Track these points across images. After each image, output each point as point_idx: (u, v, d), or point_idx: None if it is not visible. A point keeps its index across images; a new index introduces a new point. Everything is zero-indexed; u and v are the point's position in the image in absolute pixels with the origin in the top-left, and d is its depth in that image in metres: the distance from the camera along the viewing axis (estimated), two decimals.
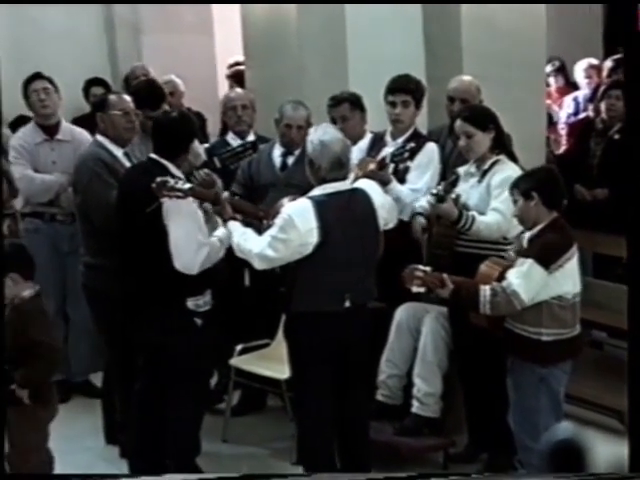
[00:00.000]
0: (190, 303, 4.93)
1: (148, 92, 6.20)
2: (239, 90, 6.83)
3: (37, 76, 6.47)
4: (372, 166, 5.33)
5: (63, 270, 6.41)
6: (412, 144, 5.45)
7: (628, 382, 4.10)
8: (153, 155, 5.04)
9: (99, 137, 5.58)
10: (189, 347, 4.94)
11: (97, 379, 6.32)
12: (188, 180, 5.00)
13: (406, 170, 5.57)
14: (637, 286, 4.18)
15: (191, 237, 4.80)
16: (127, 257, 5.02)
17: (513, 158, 5.21)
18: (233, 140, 6.39)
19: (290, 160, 5.93)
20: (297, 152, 5.87)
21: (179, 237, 4.79)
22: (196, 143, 5.31)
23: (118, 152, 5.51)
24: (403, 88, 5.64)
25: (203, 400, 5.28)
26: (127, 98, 5.64)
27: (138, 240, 4.91)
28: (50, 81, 6.46)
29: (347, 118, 5.87)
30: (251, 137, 6.40)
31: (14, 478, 4.50)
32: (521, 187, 4.68)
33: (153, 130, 5.15)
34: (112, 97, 5.64)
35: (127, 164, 5.47)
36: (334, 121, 5.81)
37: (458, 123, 5.18)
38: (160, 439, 5.16)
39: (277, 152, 5.98)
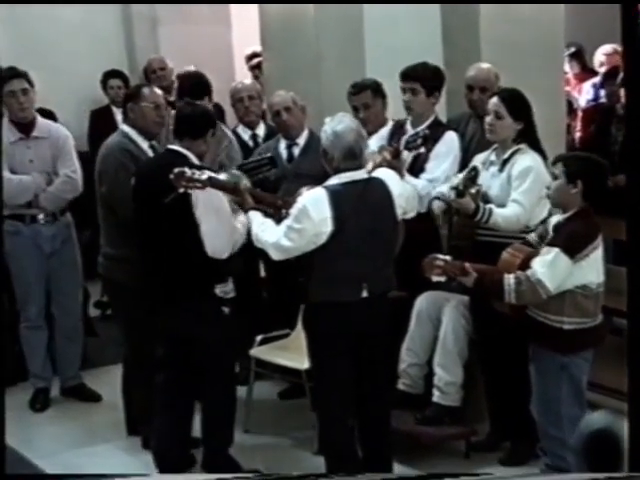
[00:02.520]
0: (218, 290, 4.96)
1: (192, 83, 6.29)
2: (246, 81, 6.98)
3: (15, 75, 6.04)
4: (386, 154, 5.30)
5: (46, 272, 6.24)
6: (426, 131, 5.41)
7: (628, 382, 3.99)
8: (173, 146, 5.04)
9: (125, 127, 5.53)
10: (220, 335, 4.96)
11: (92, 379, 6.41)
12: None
13: (425, 159, 5.55)
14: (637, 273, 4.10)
15: (224, 220, 4.82)
16: (151, 248, 5.00)
17: (539, 150, 5.16)
18: (243, 132, 6.53)
19: (296, 151, 6.04)
20: (301, 142, 6.01)
21: (212, 221, 4.80)
22: (219, 132, 5.42)
23: (144, 144, 5.47)
24: (410, 75, 5.59)
25: (234, 389, 5.26)
26: (159, 92, 5.59)
27: (164, 230, 4.89)
28: (27, 79, 6.08)
29: (369, 105, 5.82)
30: (261, 128, 6.55)
31: (14, 478, 4.48)
32: (569, 168, 4.59)
33: (176, 119, 5.12)
34: (145, 89, 5.58)
35: None
36: (356, 109, 5.81)
37: (494, 100, 5.13)
38: (186, 430, 5.19)
39: (282, 145, 6.08)
